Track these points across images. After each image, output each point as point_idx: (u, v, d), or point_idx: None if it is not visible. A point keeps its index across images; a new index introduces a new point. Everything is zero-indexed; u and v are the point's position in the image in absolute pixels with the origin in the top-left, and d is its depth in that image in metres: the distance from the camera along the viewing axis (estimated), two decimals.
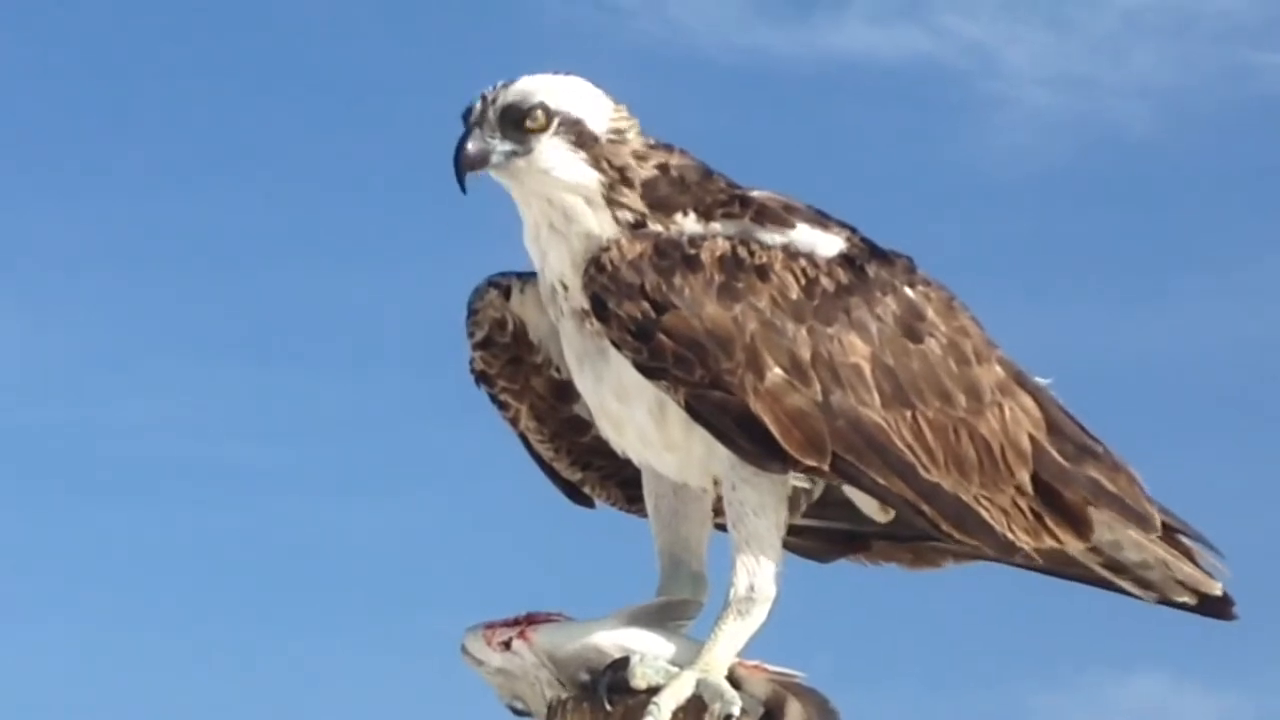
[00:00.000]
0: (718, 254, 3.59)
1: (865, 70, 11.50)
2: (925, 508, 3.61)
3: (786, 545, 3.72)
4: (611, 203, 3.61)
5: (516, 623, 3.70)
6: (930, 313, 3.71)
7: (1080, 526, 3.74)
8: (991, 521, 3.66)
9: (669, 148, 3.71)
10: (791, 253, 3.65)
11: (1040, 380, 3.86)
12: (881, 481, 3.58)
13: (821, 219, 3.74)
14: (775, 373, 3.53)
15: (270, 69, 11.70)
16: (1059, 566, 3.88)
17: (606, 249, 3.58)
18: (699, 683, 3.54)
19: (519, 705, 3.72)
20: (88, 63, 11.70)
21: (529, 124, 3.62)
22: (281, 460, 10.69)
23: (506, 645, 3.67)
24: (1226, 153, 11.36)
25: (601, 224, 3.60)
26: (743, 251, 3.61)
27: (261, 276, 11.17)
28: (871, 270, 3.69)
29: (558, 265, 3.64)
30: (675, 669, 3.57)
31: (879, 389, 3.60)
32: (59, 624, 10.36)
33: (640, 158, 3.66)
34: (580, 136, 3.61)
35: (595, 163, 3.61)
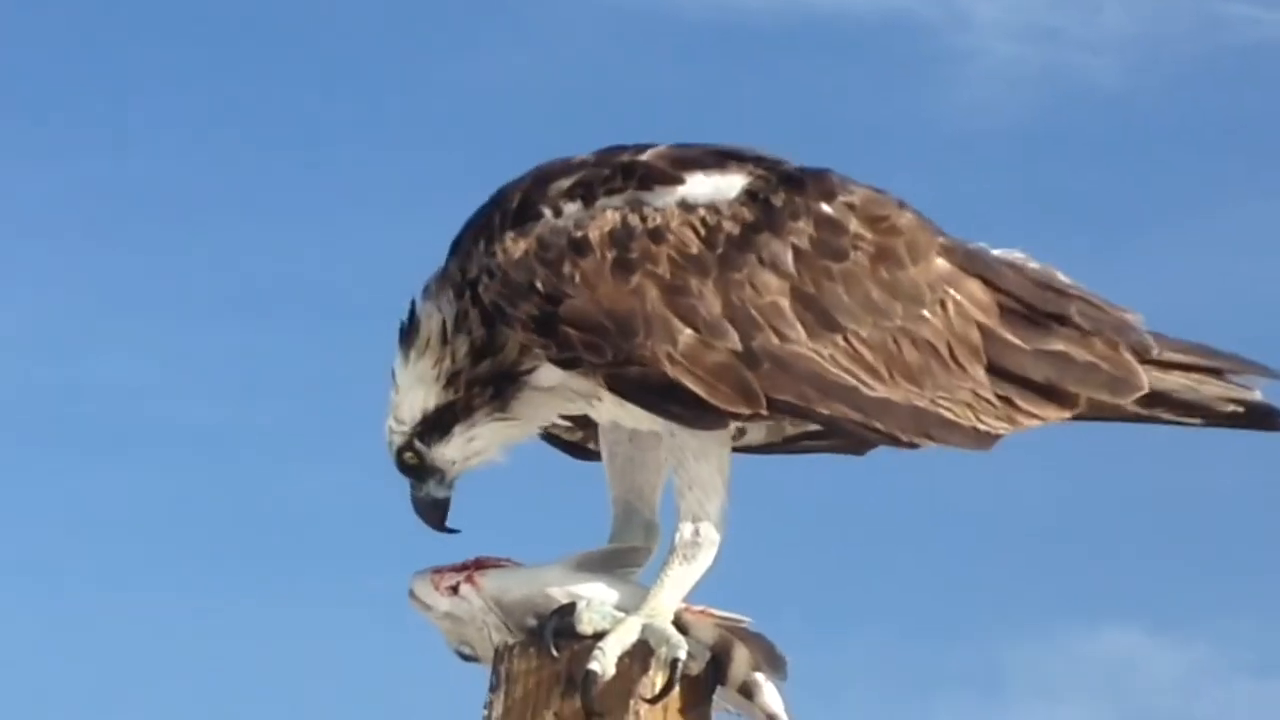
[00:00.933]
0: (606, 230, 3.55)
1: (836, 23, 11.47)
2: (878, 424, 3.54)
3: (796, 450, 3.76)
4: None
5: (464, 568, 3.69)
6: (853, 224, 3.62)
7: (1059, 398, 3.64)
8: (956, 419, 3.58)
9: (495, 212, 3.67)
10: (687, 207, 3.58)
11: (1001, 253, 3.75)
12: (825, 411, 3.52)
13: (720, 159, 3.66)
14: (686, 335, 3.48)
15: (239, 27, 11.66)
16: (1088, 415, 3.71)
17: (493, 254, 3.56)
18: (645, 628, 3.52)
19: (466, 651, 3.71)
20: (65, 24, 11.66)
21: (412, 461, 3.68)
22: (254, 420, 10.69)
23: (454, 590, 3.66)
24: (1197, 104, 11.34)
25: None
26: (633, 219, 3.56)
27: (235, 236, 11.15)
28: (779, 199, 3.60)
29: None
30: (621, 614, 3.55)
31: (802, 321, 3.53)
32: (33, 583, 10.36)
33: (463, 316, 3.63)
34: (434, 425, 3.66)
35: (461, 417, 3.66)
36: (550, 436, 3.92)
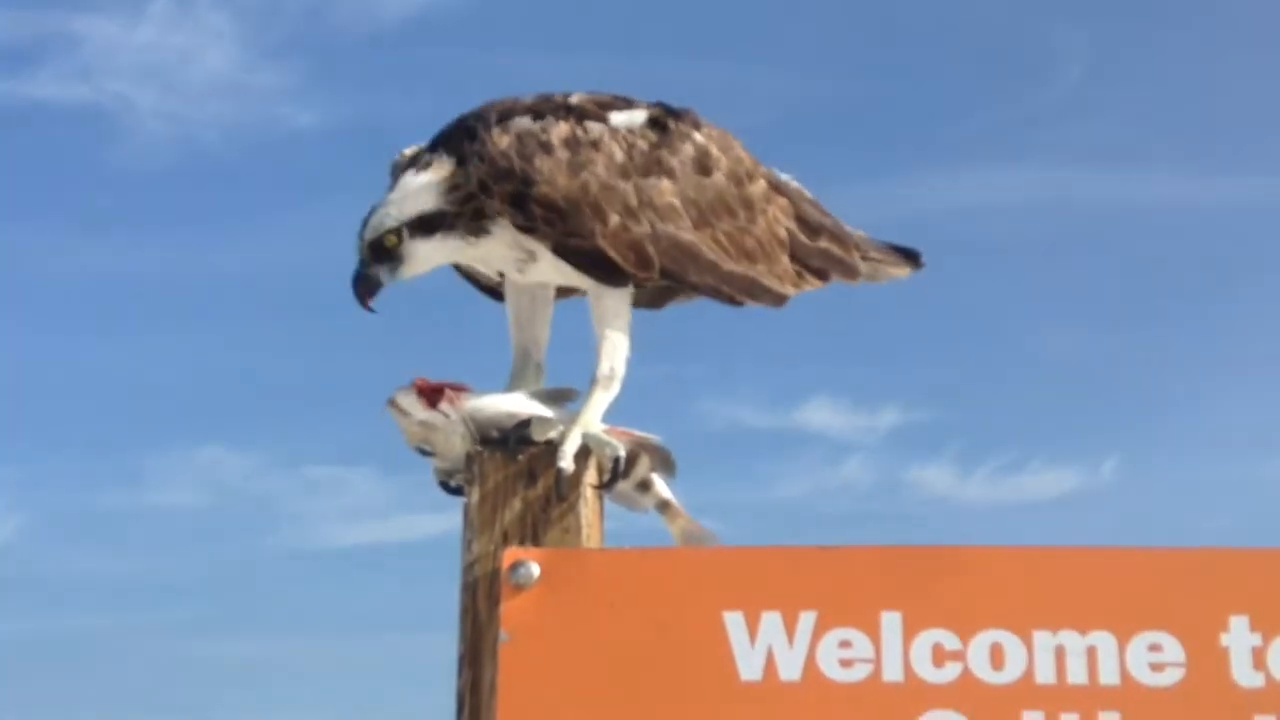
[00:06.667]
0: (563, 137, 4.81)
1: None
2: (726, 289, 4.91)
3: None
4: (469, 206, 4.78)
5: (439, 388, 4.74)
6: (714, 151, 5.00)
7: (823, 276, 5.16)
8: (773, 286, 5.00)
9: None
10: (613, 129, 4.89)
11: (788, 178, 5.22)
12: (696, 278, 4.87)
13: (627, 102, 4.98)
14: (614, 219, 4.77)
15: None
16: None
17: (483, 143, 4.77)
18: (585, 436, 4.67)
19: (426, 448, 4.74)
20: None
21: (390, 244, 4.78)
22: None
23: (434, 404, 4.74)
24: None
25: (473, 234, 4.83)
26: (579, 133, 4.84)
27: None
28: (670, 127, 4.97)
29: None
30: (562, 427, 4.71)
31: (688, 215, 4.89)
32: None
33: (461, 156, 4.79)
34: (426, 224, 4.77)
35: (446, 226, 4.78)
36: (473, 281, 5.17)
